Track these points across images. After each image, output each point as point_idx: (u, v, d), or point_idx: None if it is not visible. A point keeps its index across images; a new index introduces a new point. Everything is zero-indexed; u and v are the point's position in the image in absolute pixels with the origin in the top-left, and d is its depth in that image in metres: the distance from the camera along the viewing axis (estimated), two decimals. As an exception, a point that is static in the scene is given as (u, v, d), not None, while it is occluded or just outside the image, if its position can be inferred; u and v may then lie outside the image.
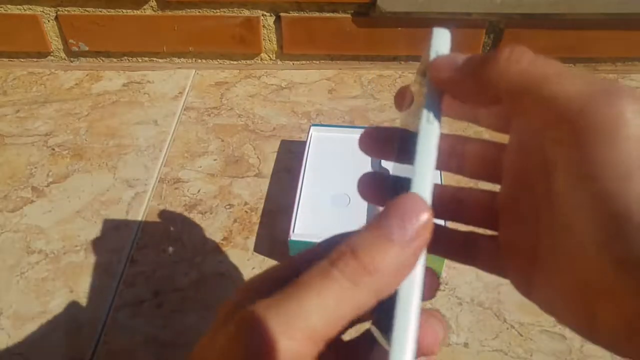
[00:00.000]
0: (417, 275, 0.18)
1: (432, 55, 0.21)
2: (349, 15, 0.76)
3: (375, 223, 0.18)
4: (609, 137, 0.16)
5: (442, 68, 0.21)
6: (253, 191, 0.61)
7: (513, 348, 0.46)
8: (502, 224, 0.24)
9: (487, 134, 0.36)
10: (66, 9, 0.77)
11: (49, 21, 0.79)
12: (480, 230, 0.25)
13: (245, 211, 0.59)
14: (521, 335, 0.47)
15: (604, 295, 0.18)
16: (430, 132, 0.20)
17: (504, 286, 0.50)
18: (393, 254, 0.18)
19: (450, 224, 0.27)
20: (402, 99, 0.25)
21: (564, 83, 0.17)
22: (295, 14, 0.76)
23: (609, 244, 0.16)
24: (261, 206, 0.59)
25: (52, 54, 0.82)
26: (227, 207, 0.59)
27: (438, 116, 0.21)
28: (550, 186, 0.19)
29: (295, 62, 0.82)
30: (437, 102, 0.21)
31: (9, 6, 0.77)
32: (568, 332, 0.47)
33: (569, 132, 0.17)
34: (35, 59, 0.83)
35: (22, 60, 0.83)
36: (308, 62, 0.82)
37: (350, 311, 0.18)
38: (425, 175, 0.19)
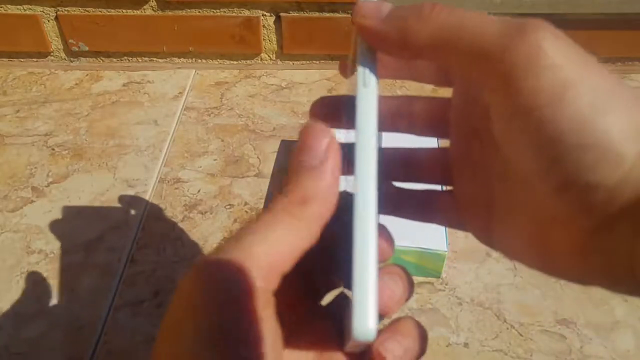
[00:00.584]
0: (371, 230, 0.19)
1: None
2: (349, 15, 0.76)
3: (292, 160, 0.20)
4: (530, 70, 0.17)
5: (367, 14, 0.21)
6: (253, 191, 0.61)
7: (513, 348, 0.46)
8: (455, 178, 0.25)
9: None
10: (66, 9, 0.77)
11: (49, 21, 0.79)
12: (437, 188, 0.26)
13: (245, 211, 0.59)
14: (521, 335, 0.47)
15: (554, 223, 0.18)
16: (367, 95, 0.21)
17: (504, 286, 0.50)
18: (312, 179, 0.19)
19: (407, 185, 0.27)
20: (345, 65, 0.26)
21: (480, 27, 0.18)
22: (295, 14, 0.76)
23: (549, 171, 0.17)
24: (261, 206, 0.59)
25: (52, 54, 0.82)
26: (227, 207, 0.59)
27: (373, 77, 0.21)
28: (492, 131, 0.20)
29: (295, 62, 0.82)
30: (372, 63, 0.21)
31: (9, 6, 0.77)
32: (568, 332, 0.47)
33: (494, 73, 0.18)
34: (35, 59, 0.83)
35: (22, 60, 0.83)
36: (308, 62, 0.82)
37: (298, 243, 0.19)
38: (368, 141, 0.20)
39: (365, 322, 0.17)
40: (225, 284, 0.18)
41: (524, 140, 0.17)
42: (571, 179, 0.16)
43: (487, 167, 0.22)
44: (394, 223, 0.25)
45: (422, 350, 0.22)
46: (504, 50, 0.17)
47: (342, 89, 0.76)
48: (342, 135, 0.22)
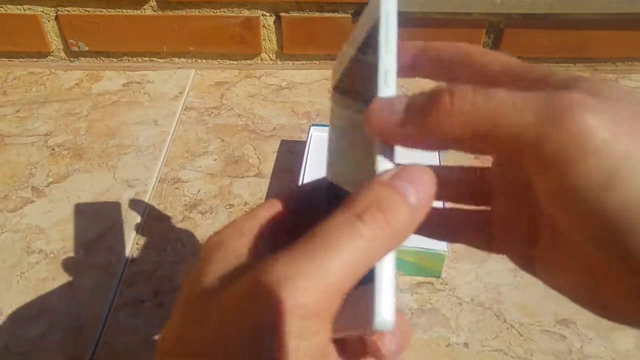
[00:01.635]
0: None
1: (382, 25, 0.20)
2: (349, 15, 0.76)
3: (389, 182, 0.18)
4: (575, 157, 0.16)
5: (382, 121, 0.19)
6: (253, 191, 0.61)
7: (513, 348, 0.46)
8: (495, 203, 0.23)
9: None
10: (66, 9, 0.77)
11: (49, 21, 0.79)
12: (460, 206, 0.25)
13: (245, 211, 0.58)
14: (521, 335, 0.47)
15: (608, 272, 0.18)
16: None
17: (504, 286, 0.50)
18: (407, 214, 0.18)
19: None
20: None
21: (513, 117, 0.17)
22: (295, 14, 0.76)
23: (604, 245, 0.17)
24: (261, 206, 0.59)
25: (52, 54, 0.82)
26: (227, 207, 0.59)
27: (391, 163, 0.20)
28: (539, 202, 0.19)
29: (295, 62, 0.82)
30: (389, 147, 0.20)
31: (9, 6, 0.77)
32: (568, 332, 0.47)
33: (536, 161, 0.17)
34: (35, 59, 0.83)
35: (22, 60, 0.83)
36: (308, 62, 0.82)
37: (369, 265, 0.17)
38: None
39: (386, 314, 0.17)
40: (284, 318, 0.16)
41: (576, 219, 0.17)
42: (631, 252, 0.16)
43: (533, 212, 0.21)
44: None
45: (406, 346, 0.22)
46: (544, 141, 0.16)
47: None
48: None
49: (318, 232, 0.17)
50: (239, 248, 0.21)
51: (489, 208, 0.24)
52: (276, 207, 0.23)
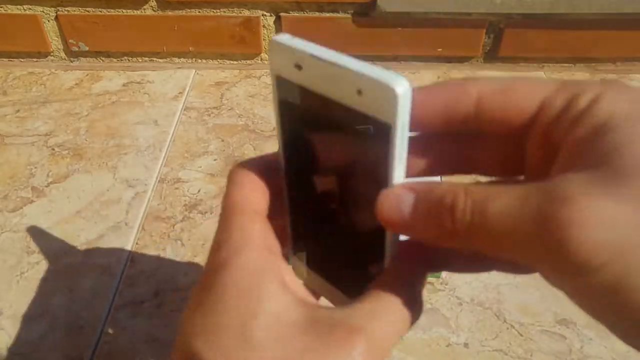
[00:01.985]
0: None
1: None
2: (349, 15, 0.76)
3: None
4: (579, 273, 0.16)
5: (390, 219, 0.19)
6: (253, 191, 0.61)
7: (513, 348, 0.46)
8: None
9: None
10: (66, 9, 0.77)
11: (49, 21, 0.79)
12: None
13: (245, 211, 0.59)
14: (521, 335, 0.47)
15: None
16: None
17: (504, 286, 0.50)
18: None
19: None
20: None
21: (511, 235, 0.17)
22: (295, 14, 0.76)
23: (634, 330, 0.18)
24: (261, 206, 0.59)
25: (52, 54, 0.82)
26: (227, 207, 0.59)
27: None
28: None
29: (295, 62, 0.82)
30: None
31: (9, 6, 0.77)
32: (568, 332, 0.47)
33: (538, 268, 0.17)
34: (35, 59, 0.83)
35: (22, 60, 0.83)
36: (308, 62, 0.81)
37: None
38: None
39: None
40: None
41: (601, 313, 0.17)
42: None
43: None
44: None
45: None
46: (542, 262, 0.17)
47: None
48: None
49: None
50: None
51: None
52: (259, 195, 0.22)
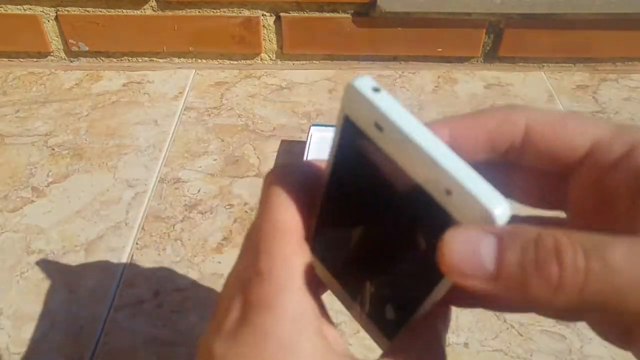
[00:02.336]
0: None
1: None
2: (349, 15, 0.76)
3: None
4: None
5: (463, 268, 0.15)
6: (253, 191, 0.61)
7: (513, 348, 0.46)
8: None
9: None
10: (66, 9, 0.77)
11: (49, 21, 0.79)
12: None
13: (245, 211, 0.59)
14: (521, 335, 0.47)
15: None
16: None
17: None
18: None
19: None
20: None
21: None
22: (295, 14, 0.76)
23: None
24: (261, 206, 0.59)
25: (52, 54, 0.82)
26: (227, 207, 0.59)
27: None
28: None
29: (295, 62, 0.82)
30: None
31: (9, 6, 0.77)
32: (568, 332, 0.47)
33: None
34: (35, 59, 0.83)
35: (22, 60, 0.83)
36: (308, 62, 0.82)
37: None
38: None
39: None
40: None
41: None
42: None
43: None
44: None
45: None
46: None
47: (342, 89, 0.76)
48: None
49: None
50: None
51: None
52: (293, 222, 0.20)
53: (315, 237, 0.21)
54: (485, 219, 0.15)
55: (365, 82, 0.17)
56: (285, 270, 0.18)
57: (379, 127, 0.17)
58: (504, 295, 0.15)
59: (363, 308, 0.23)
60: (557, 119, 0.19)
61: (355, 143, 0.18)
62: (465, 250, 0.15)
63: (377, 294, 0.22)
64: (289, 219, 0.19)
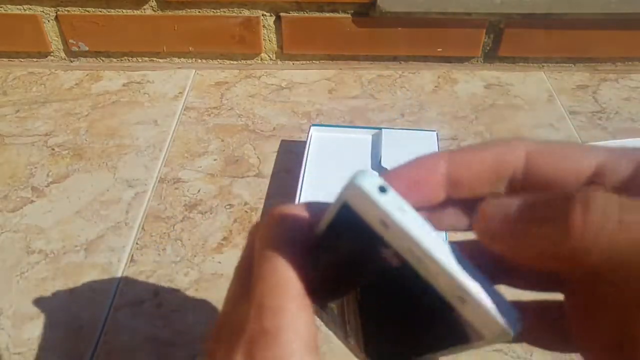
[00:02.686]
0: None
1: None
2: (349, 15, 0.76)
3: None
4: None
5: (493, 218, 0.16)
6: (253, 191, 0.61)
7: (513, 348, 0.46)
8: (569, 289, 0.19)
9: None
10: (66, 9, 0.77)
11: (49, 21, 0.79)
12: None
13: (245, 211, 0.59)
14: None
15: None
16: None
17: (504, 286, 0.50)
18: None
19: None
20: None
21: None
22: (295, 14, 0.76)
23: None
24: (261, 206, 0.59)
25: (52, 54, 0.82)
26: (227, 207, 0.59)
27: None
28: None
29: (295, 62, 0.82)
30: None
31: (9, 6, 0.77)
32: (568, 332, 0.47)
33: None
34: (35, 59, 0.83)
35: (22, 60, 0.83)
36: (308, 62, 0.82)
37: None
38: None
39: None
40: None
41: None
42: None
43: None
44: None
45: None
46: None
47: (342, 89, 0.76)
48: None
49: None
50: None
51: (560, 298, 0.19)
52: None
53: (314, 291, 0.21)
54: (500, 337, 0.15)
55: (370, 181, 0.16)
56: (292, 331, 0.18)
57: (385, 225, 0.16)
58: (527, 253, 0.15)
59: (361, 349, 0.22)
60: (558, 147, 0.18)
61: (355, 225, 0.17)
62: (495, 212, 0.16)
63: (378, 344, 0.22)
64: (292, 273, 0.18)
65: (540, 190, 0.18)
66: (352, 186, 0.16)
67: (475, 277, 0.16)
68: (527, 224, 0.15)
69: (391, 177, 0.18)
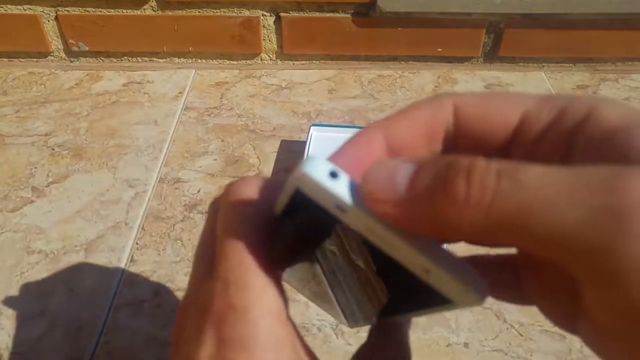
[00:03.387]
0: None
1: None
2: (349, 15, 0.76)
3: None
4: None
5: (379, 196, 0.15)
6: (253, 191, 0.61)
7: (513, 348, 0.46)
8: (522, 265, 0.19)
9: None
10: (66, 9, 0.77)
11: (49, 21, 0.79)
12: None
13: (245, 211, 0.58)
14: (521, 335, 0.47)
15: None
16: None
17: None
18: None
19: None
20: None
21: (554, 212, 0.13)
22: (295, 14, 0.76)
23: None
24: (261, 206, 0.59)
25: (52, 54, 0.82)
26: (227, 207, 0.59)
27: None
28: (587, 313, 0.15)
29: (295, 62, 0.82)
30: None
31: (9, 6, 0.77)
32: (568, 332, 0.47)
33: (587, 273, 0.13)
34: (35, 59, 0.83)
35: (22, 60, 0.83)
36: (308, 62, 0.82)
37: None
38: None
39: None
40: None
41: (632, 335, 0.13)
42: None
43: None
44: None
45: None
46: (602, 253, 0.12)
47: (342, 89, 0.77)
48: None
49: None
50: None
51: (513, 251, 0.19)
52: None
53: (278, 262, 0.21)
54: (468, 303, 0.15)
55: (321, 168, 0.15)
56: (260, 306, 0.17)
57: (340, 209, 0.16)
58: (414, 220, 0.15)
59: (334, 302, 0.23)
60: (484, 98, 0.18)
61: (310, 206, 0.16)
62: (382, 177, 0.15)
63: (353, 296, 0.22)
64: (255, 250, 0.18)
65: (472, 145, 0.18)
66: (302, 175, 0.15)
67: (435, 248, 0.15)
68: (410, 192, 0.15)
69: (336, 159, 0.18)
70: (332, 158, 0.19)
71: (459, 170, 0.14)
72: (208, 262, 0.19)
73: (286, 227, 0.19)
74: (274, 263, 0.19)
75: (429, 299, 0.17)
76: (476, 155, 0.15)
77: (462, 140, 0.18)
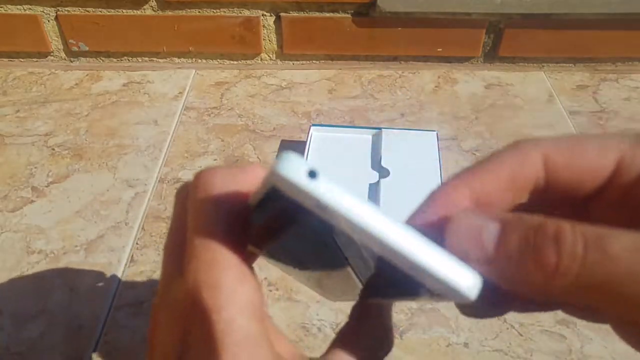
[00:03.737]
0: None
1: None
2: (349, 15, 0.76)
3: None
4: None
5: (471, 249, 0.16)
6: (253, 191, 0.61)
7: (513, 348, 0.46)
8: None
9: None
10: (66, 9, 0.77)
11: (49, 21, 0.79)
12: None
13: (245, 211, 0.58)
14: (521, 335, 0.47)
15: None
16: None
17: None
18: None
19: None
20: None
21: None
22: (295, 14, 0.76)
23: None
24: (261, 206, 0.59)
25: (52, 54, 0.82)
26: (227, 207, 0.59)
27: None
28: None
29: (295, 62, 0.82)
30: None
31: (9, 6, 0.77)
32: (568, 332, 0.47)
33: None
34: (35, 59, 0.83)
35: (22, 60, 0.83)
36: (308, 62, 0.82)
37: None
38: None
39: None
40: None
41: None
42: None
43: None
44: None
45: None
46: None
47: (342, 89, 0.76)
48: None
49: None
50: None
51: None
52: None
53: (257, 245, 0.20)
54: (458, 299, 0.15)
55: (298, 168, 0.15)
56: (232, 303, 0.17)
57: (321, 208, 0.15)
58: (501, 278, 0.15)
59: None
60: (574, 143, 0.17)
61: (288, 202, 0.15)
62: (469, 235, 0.15)
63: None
64: (226, 247, 0.17)
65: (559, 194, 0.18)
66: (278, 176, 0.15)
67: (426, 246, 0.15)
68: (498, 253, 0.15)
69: (420, 218, 0.18)
70: (417, 213, 0.18)
71: (547, 237, 0.14)
72: (177, 257, 0.19)
73: (261, 217, 0.18)
74: (249, 249, 0.18)
75: (417, 290, 0.17)
76: (563, 205, 0.16)
77: (553, 190, 0.18)
